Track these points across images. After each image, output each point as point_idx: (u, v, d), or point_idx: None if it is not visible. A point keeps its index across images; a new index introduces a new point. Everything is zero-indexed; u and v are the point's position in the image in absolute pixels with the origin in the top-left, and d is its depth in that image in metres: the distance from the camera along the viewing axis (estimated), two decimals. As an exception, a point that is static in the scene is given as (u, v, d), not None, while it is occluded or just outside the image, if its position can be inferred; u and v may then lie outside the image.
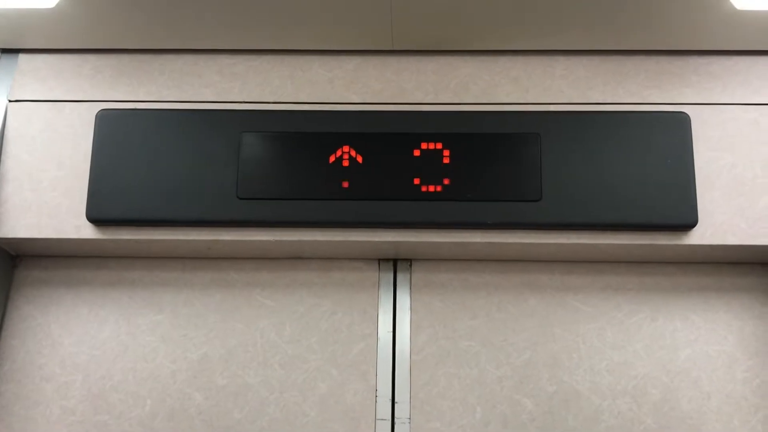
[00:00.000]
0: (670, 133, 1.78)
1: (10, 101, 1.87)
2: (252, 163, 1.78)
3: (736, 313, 1.85)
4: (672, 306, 1.85)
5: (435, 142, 1.79)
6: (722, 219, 1.75)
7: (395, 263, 1.91)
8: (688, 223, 1.73)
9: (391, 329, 1.84)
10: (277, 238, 1.76)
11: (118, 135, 1.81)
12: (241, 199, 1.76)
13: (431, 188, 1.76)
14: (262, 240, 1.77)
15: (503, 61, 1.88)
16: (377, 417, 1.77)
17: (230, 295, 1.88)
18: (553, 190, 1.75)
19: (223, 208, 1.75)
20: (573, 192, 1.75)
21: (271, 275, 1.90)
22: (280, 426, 1.77)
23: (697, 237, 1.74)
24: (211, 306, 1.87)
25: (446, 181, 1.76)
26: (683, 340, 1.83)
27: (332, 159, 1.78)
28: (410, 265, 1.90)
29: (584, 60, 1.87)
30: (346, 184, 1.77)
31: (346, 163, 1.78)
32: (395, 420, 1.77)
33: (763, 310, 1.85)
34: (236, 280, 1.90)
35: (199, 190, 1.76)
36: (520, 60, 1.88)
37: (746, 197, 1.76)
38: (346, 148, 1.79)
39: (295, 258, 1.90)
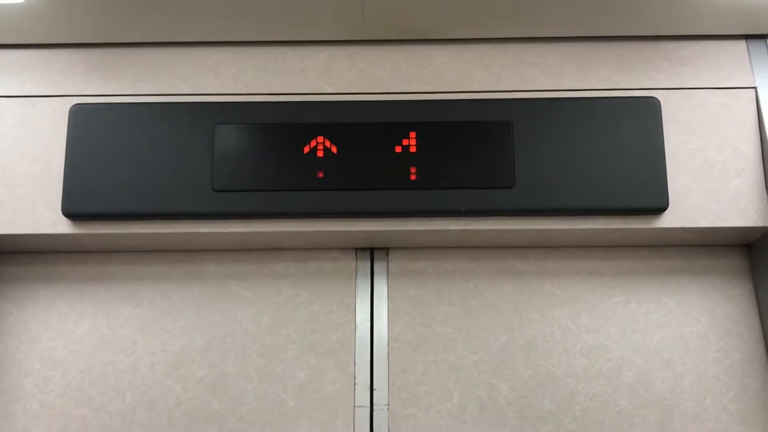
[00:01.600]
0: (641, 118, 1.81)
1: (-18, 97, 1.86)
2: (227, 155, 1.78)
3: (707, 295, 1.88)
4: (645, 289, 1.88)
5: (409, 130, 1.80)
6: (693, 202, 1.77)
7: (372, 252, 1.92)
8: (660, 206, 1.75)
9: (369, 317, 1.86)
10: (253, 229, 1.77)
11: (93, 129, 1.80)
12: (216, 191, 1.76)
13: (406, 177, 1.78)
14: (238, 232, 1.78)
15: (476, 50, 1.89)
16: (356, 404, 1.79)
17: (208, 287, 1.89)
18: (526, 177, 1.77)
19: (199, 201, 1.76)
20: (546, 178, 1.76)
21: (248, 267, 1.91)
22: (259, 415, 1.78)
23: (668, 220, 1.76)
24: (189, 298, 1.88)
25: (421, 170, 1.78)
26: (656, 323, 1.85)
27: (307, 149, 1.79)
28: (387, 254, 1.92)
29: (555, 47, 1.89)
30: (321, 174, 1.78)
31: (320, 154, 1.79)
32: (374, 407, 1.79)
33: (734, 291, 1.88)
34: (213, 272, 1.90)
35: (175, 183, 1.77)
36: (492, 48, 1.89)
37: (717, 180, 1.78)
38: (320, 139, 1.80)
39: (272, 249, 1.91)
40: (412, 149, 1.79)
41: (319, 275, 1.90)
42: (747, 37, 1.89)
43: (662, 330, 1.85)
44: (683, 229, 1.78)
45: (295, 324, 1.86)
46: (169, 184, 1.77)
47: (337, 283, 1.89)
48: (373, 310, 1.87)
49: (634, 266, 1.90)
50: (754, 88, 1.84)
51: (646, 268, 1.90)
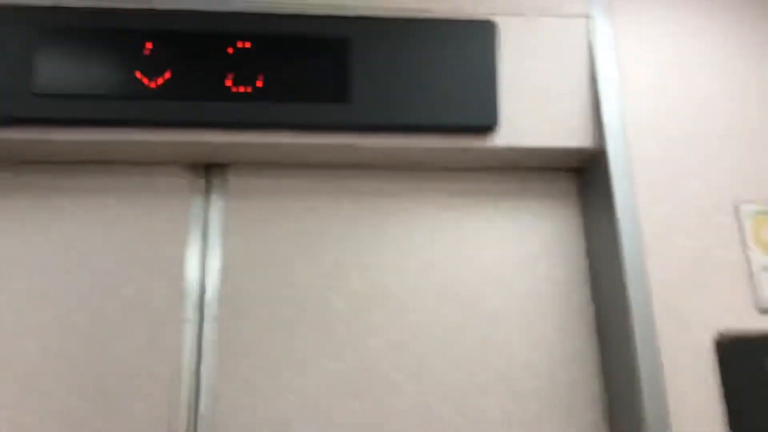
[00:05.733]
0: (478, 41, 1.84)
1: None
2: (51, 59, 1.70)
3: (539, 217, 1.94)
4: (479, 210, 1.93)
5: (246, 42, 1.77)
6: (523, 122, 1.82)
7: (208, 168, 1.88)
8: (489, 124, 1.79)
9: (202, 234, 1.82)
10: (77, 138, 1.70)
11: None
12: (36, 94, 1.68)
13: (241, 89, 1.74)
14: (61, 140, 1.70)
15: (318, -33, 1.87)
16: (185, 318, 1.75)
17: (30, 200, 1.80)
18: (362, 93, 1.77)
19: (16, 105, 1.67)
20: (380, 95, 1.77)
21: (74, 181, 1.83)
22: (85, 330, 1.72)
23: (498, 139, 1.81)
24: (12, 213, 1.79)
25: (257, 83, 1.75)
26: (489, 242, 1.90)
27: (141, 57, 1.73)
28: (224, 171, 1.88)
29: (397, -33, 1.90)
30: (153, 84, 1.72)
31: (153, 62, 1.73)
32: (204, 320, 1.76)
33: (566, 212, 1.95)
34: (36, 185, 1.82)
35: (-8, 86, 1.67)
36: (335, -34, 1.88)
37: (547, 103, 1.84)
38: (154, 47, 1.74)
39: (101, 162, 1.84)
40: (248, 61, 1.76)
41: (152, 191, 1.84)
42: (581, -33, 1.95)
43: (495, 249, 1.90)
44: (512, 148, 1.82)
45: (124, 241, 1.80)
46: (-14, 88, 1.67)
47: (171, 200, 1.84)
48: (207, 228, 1.83)
49: (468, 188, 1.94)
50: (587, 16, 1.91)
51: (481, 190, 1.94)
